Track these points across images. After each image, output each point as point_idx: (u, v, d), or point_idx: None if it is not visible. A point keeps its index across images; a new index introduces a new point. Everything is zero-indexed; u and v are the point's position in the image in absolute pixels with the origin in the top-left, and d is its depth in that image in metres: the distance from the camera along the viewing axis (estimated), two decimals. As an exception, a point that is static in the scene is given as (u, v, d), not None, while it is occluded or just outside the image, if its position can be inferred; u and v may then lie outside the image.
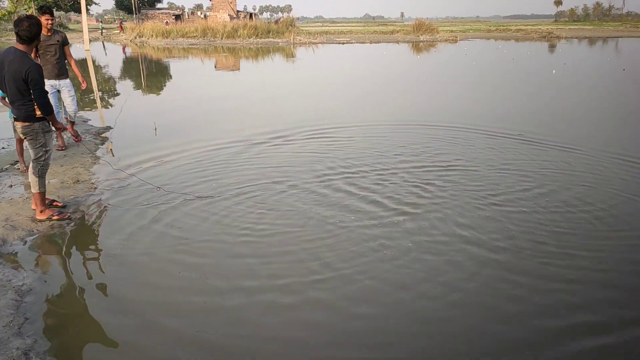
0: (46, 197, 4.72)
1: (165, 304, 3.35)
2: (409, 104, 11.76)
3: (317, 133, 8.09)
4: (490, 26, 77.16)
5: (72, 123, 6.87)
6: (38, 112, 4.37)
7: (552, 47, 36.12)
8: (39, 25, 4.31)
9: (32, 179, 4.51)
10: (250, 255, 4.00)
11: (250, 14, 63.67)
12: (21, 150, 5.83)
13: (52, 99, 6.12)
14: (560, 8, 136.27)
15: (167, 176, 5.85)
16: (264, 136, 7.84)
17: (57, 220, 4.56)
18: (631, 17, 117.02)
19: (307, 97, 12.96)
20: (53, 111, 4.41)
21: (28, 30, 4.21)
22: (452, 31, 55.19)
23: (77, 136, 6.72)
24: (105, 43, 42.83)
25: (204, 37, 40.11)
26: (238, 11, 60.25)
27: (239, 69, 22.57)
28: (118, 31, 53.20)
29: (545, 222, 4.60)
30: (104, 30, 53.80)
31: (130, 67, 22.94)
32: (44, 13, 6.10)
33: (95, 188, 5.45)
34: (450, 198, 5.19)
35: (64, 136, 7.11)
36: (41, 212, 4.58)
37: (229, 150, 6.99)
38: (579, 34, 54.77)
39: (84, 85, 6.99)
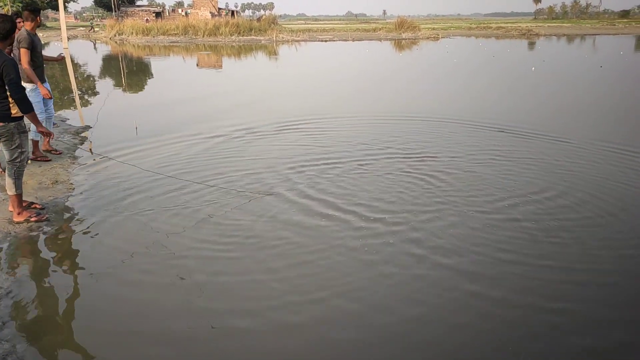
0: (24, 199, 4.62)
1: (146, 311, 3.31)
2: (393, 98, 11.83)
3: (307, 128, 8.09)
4: (471, 24, 78.10)
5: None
6: (13, 111, 4.27)
7: (531, 44, 36.66)
8: (12, 22, 4.23)
9: (8, 181, 4.40)
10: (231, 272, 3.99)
11: (232, 12, 63.22)
12: None
13: (39, 103, 6.00)
14: (540, 6, 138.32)
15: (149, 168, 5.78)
16: (247, 131, 7.82)
17: (35, 221, 4.47)
18: (607, 14, 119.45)
19: (291, 95, 12.92)
20: (32, 108, 4.30)
21: (2, 27, 4.13)
22: (433, 29, 55.62)
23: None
24: (83, 41, 42.05)
25: (185, 34, 39.70)
26: (220, 9, 59.76)
27: (221, 67, 22.40)
28: (97, 29, 52.27)
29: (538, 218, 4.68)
30: (96, 29, 52.53)
31: (110, 65, 22.58)
32: (35, 13, 5.99)
33: (74, 189, 5.36)
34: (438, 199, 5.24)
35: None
36: (19, 214, 4.48)
37: (206, 144, 6.95)
38: (557, 31, 55.66)
39: (61, 58, 6.84)
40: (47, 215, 4.59)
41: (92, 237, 4.27)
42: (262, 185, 5.51)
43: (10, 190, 4.41)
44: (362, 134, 7.91)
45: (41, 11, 6.20)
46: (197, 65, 22.94)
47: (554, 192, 5.33)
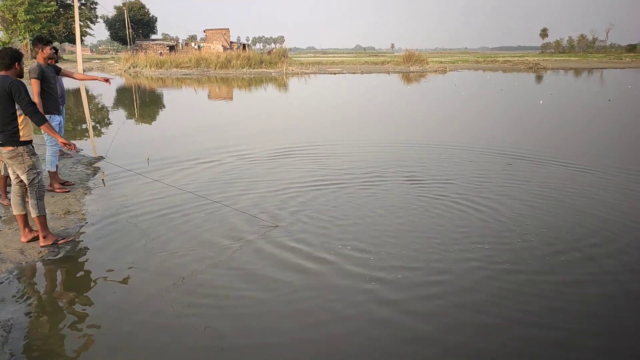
0: (32, 226, 4.70)
1: (162, 349, 3.28)
2: (404, 129, 11.91)
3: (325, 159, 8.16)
4: (478, 57, 79.12)
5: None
6: (22, 134, 4.40)
7: (539, 77, 36.97)
8: (13, 51, 4.43)
9: (31, 203, 4.51)
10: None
11: (244, 45, 64.78)
12: (4, 185, 5.74)
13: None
14: (546, 40, 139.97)
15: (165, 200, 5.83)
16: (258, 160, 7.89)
17: (64, 243, 4.60)
18: (614, 48, 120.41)
19: (302, 129, 13.06)
20: (46, 119, 4.45)
21: (1, 57, 4.34)
22: (441, 62, 56.39)
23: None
24: (98, 73, 43.15)
25: (198, 67, 40.63)
26: (231, 42, 61.28)
27: (232, 98, 22.79)
28: (112, 62, 53.67)
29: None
30: (110, 61, 53.86)
31: (124, 96, 23.08)
32: (47, 43, 6.08)
33: (86, 219, 5.41)
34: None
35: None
36: (44, 237, 4.57)
37: (214, 172, 7.02)
38: (564, 65, 56.18)
39: (109, 83, 7.18)
40: (72, 238, 4.71)
41: (102, 270, 4.27)
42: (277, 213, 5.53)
43: (34, 212, 4.50)
44: (378, 160, 7.97)
45: (51, 42, 6.26)
46: (209, 96, 23.37)
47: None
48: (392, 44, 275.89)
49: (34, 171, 4.49)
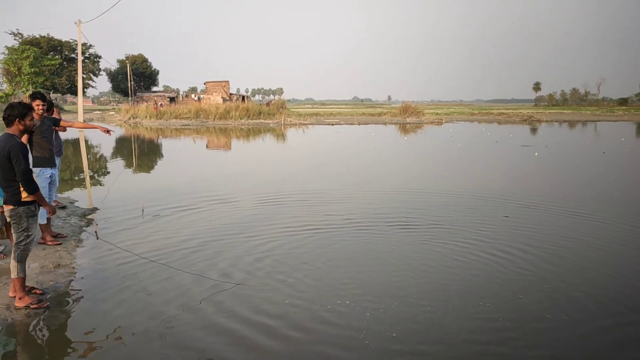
0: (26, 283, 4.57)
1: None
2: (403, 180, 11.96)
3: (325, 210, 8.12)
4: (473, 109, 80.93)
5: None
6: (24, 195, 4.37)
7: (533, 130, 37.65)
8: (20, 106, 4.43)
9: (12, 263, 4.40)
10: None
11: (243, 97, 66.31)
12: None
13: (45, 188, 6.11)
14: (540, 93, 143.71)
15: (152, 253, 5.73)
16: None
17: (35, 309, 4.38)
18: (606, 102, 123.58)
19: (298, 182, 13.13)
20: (37, 189, 4.43)
21: (5, 112, 4.37)
22: (437, 114, 57.60)
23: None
24: (98, 123, 43.85)
25: (197, 118, 41.36)
26: (231, 94, 62.73)
27: (230, 148, 23.03)
28: (112, 113, 54.67)
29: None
30: (111, 112, 54.73)
31: (122, 146, 23.32)
32: (34, 99, 6.13)
33: (76, 274, 5.30)
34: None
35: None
36: (20, 299, 4.42)
37: (209, 228, 6.95)
38: (558, 117, 57.41)
39: (109, 134, 7.09)
40: (47, 303, 4.50)
41: (88, 327, 4.14)
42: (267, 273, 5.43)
43: (13, 274, 4.39)
44: (380, 207, 7.94)
45: (40, 96, 6.31)
46: (207, 146, 23.64)
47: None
48: (389, 96, 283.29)
49: (25, 234, 4.44)
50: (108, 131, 7.06)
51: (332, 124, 42.86)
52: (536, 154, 18.83)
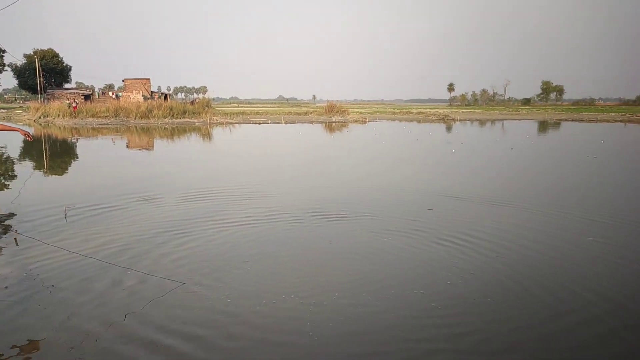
0: None
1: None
2: (328, 177, 12.22)
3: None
4: (394, 109, 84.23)
5: None
6: None
7: (449, 128, 39.93)
8: None
9: None
10: None
11: (165, 95, 63.89)
12: None
13: None
14: (453, 93, 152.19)
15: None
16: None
17: None
18: (512, 102, 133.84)
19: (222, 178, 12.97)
20: None
21: None
22: (361, 113, 59.21)
23: None
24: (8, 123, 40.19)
25: (116, 117, 39.27)
26: (152, 92, 60.22)
27: (152, 147, 22.16)
28: (20, 111, 50.34)
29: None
30: (18, 111, 50.17)
31: (32, 147, 21.61)
32: None
33: (-4, 282, 4.92)
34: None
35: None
36: None
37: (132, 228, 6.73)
38: (470, 116, 61.24)
39: (30, 138, 6.24)
40: None
41: (6, 347, 3.89)
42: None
43: None
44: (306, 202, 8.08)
45: None
46: (128, 146, 22.57)
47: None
48: (314, 95, 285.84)
49: None
50: (28, 134, 6.29)
51: (259, 123, 42.60)
52: (453, 150, 20.03)
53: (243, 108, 76.09)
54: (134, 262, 5.60)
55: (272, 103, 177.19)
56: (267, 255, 5.99)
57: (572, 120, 52.96)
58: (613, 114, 61.94)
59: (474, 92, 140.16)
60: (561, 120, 53.29)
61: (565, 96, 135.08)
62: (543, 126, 42.97)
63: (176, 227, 7.16)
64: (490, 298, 4.85)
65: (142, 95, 55.25)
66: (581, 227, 7.58)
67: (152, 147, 22.72)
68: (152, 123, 38.09)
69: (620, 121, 49.87)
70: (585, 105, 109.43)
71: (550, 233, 7.23)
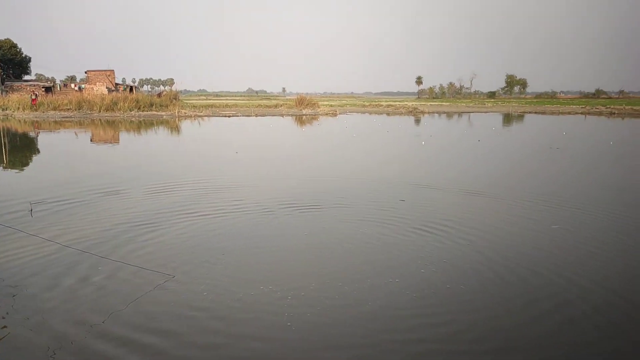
0: None
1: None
2: (305, 168, 12.21)
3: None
4: (364, 102, 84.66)
5: None
6: None
7: (417, 120, 40.46)
8: None
9: None
10: None
11: (131, 87, 62.22)
12: None
13: None
14: (422, 86, 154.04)
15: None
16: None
17: None
18: (478, 95, 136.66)
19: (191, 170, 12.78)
20: None
21: None
22: (331, 105, 59.21)
23: None
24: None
25: (80, 109, 38.02)
26: (117, 84, 58.58)
27: (118, 141, 21.58)
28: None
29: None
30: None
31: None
32: None
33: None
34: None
35: None
36: None
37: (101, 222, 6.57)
38: (438, 109, 62.18)
39: None
40: None
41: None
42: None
43: None
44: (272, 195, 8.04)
45: None
46: (92, 140, 21.91)
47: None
48: (284, 88, 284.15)
49: None
50: None
51: (229, 116, 42.06)
52: (423, 142, 20.32)
53: (212, 101, 74.88)
54: (107, 255, 5.46)
55: (241, 96, 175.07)
56: (240, 247, 5.95)
57: (536, 112, 54.51)
58: (574, 106, 64.05)
59: (441, 85, 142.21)
60: (525, 112, 54.77)
61: (528, 89, 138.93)
62: (508, 119, 44.06)
63: (145, 220, 7.02)
64: (463, 285, 4.96)
65: (107, 88, 53.67)
66: (548, 215, 7.83)
67: (118, 140, 22.11)
68: (118, 116, 37.08)
69: (581, 113, 51.68)
70: (547, 98, 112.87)
71: (518, 222, 7.45)
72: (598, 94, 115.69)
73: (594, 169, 13.91)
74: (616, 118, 43.59)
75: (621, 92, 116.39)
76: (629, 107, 57.01)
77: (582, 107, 60.16)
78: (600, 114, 50.89)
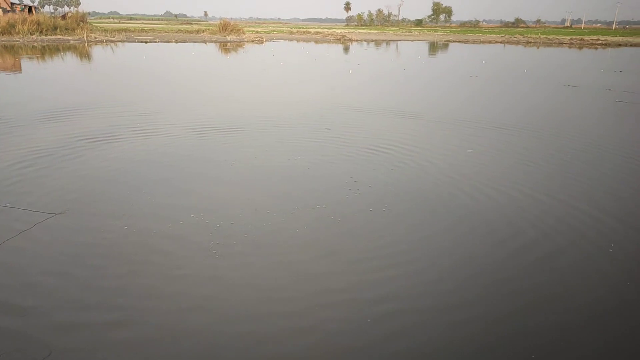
0: None
1: None
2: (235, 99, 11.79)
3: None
4: (291, 28, 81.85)
5: None
6: None
7: (346, 49, 40.01)
8: None
9: None
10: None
11: (30, 7, 55.40)
12: None
13: None
14: (350, 13, 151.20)
15: None
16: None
17: None
18: (405, 22, 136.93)
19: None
20: None
21: None
22: (257, 32, 56.70)
23: None
24: None
25: (-32, 32, 33.47)
26: (13, 4, 51.89)
27: (20, 70, 19.45)
28: None
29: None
30: None
31: None
32: None
33: None
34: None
35: None
36: None
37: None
38: (367, 37, 61.68)
39: None
40: None
41: None
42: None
43: None
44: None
45: None
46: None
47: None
48: (205, 12, 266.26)
49: None
50: None
51: (146, 42, 39.07)
52: (350, 71, 20.24)
53: (126, 24, 68.87)
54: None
55: (158, 20, 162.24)
56: (162, 178, 5.73)
57: (459, 41, 55.72)
58: (495, 35, 66.09)
59: (370, 12, 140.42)
60: (449, 41, 55.84)
61: (454, 17, 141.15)
62: (433, 47, 44.78)
63: (44, 151, 6.52)
64: (386, 208, 5.15)
65: (1, 8, 47.38)
66: (467, 137, 8.23)
67: (20, 69, 19.92)
68: (17, 41, 33.14)
69: (500, 42, 53.55)
70: (470, 27, 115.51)
71: (439, 144, 7.77)
72: (517, 23, 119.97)
73: (507, 92, 14.67)
74: (532, 47, 45.71)
75: (538, 21, 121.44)
76: (544, 36, 59.82)
77: (501, 37, 62.24)
78: (517, 42, 53.03)
